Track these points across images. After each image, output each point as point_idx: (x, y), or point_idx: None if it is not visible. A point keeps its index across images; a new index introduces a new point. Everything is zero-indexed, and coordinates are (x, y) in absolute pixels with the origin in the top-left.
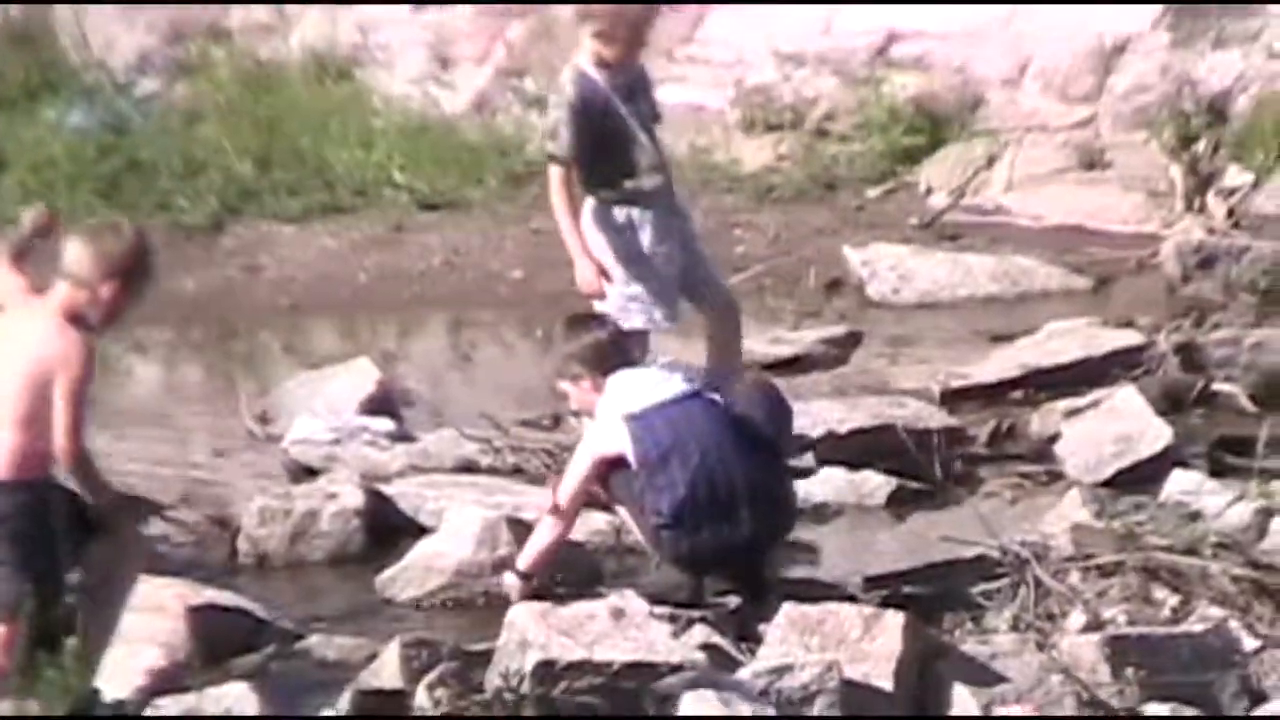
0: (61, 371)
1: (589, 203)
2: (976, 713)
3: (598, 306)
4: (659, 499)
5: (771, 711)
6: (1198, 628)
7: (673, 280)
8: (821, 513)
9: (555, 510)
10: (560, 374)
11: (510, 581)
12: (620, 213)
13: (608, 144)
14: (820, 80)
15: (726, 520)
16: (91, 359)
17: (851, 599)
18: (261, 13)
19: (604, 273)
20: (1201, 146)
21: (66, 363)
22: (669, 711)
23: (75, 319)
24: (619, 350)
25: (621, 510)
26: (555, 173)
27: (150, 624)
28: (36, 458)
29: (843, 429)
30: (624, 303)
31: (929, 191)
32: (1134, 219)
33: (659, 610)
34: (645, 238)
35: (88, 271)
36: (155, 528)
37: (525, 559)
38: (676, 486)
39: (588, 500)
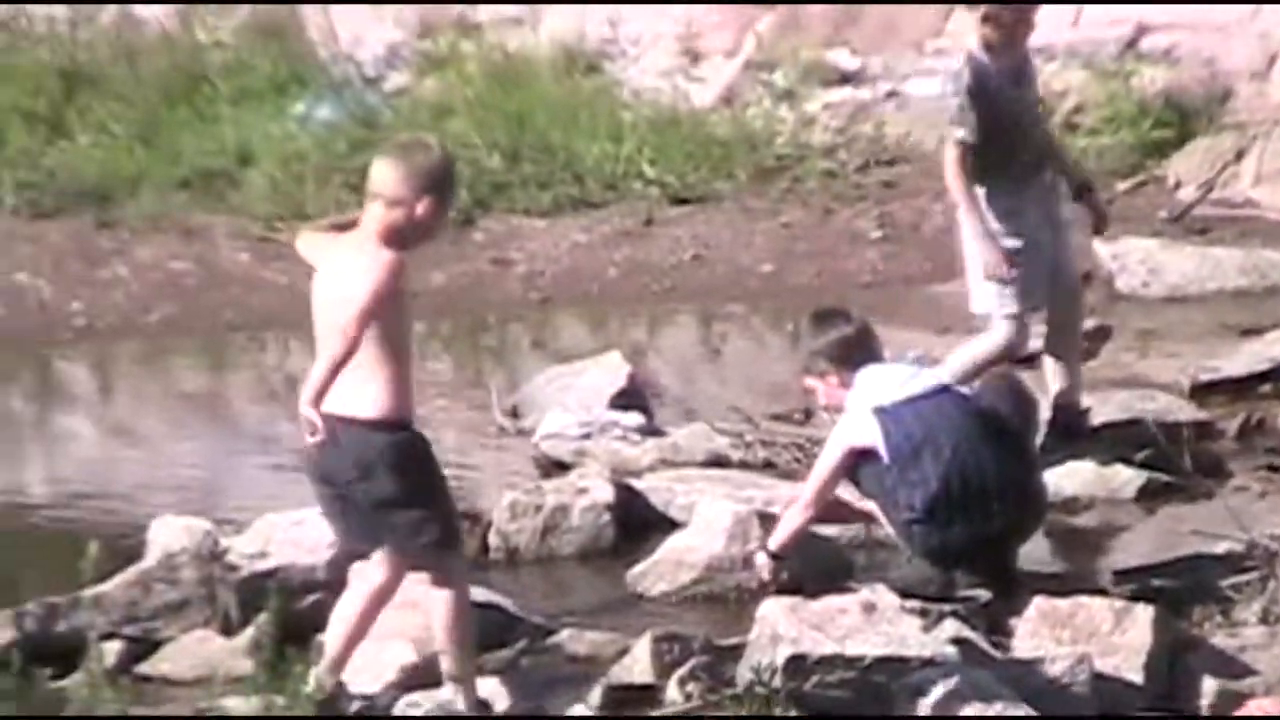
0: (365, 284)
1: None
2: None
3: (973, 292)
4: (911, 493)
5: (1025, 708)
6: None
7: (1046, 268)
8: (1071, 506)
9: (805, 502)
10: (807, 370)
11: (761, 561)
12: (1006, 200)
13: (998, 129)
14: (1069, 73)
15: (978, 514)
16: (401, 274)
17: (1102, 592)
18: (510, 6)
19: (1008, 256)
20: None
21: (370, 275)
22: (920, 704)
23: (392, 239)
24: (866, 344)
25: (872, 504)
26: (953, 155)
27: (400, 618)
28: (403, 391)
29: (1094, 422)
30: (1000, 289)
31: (1178, 185)
32: None
33: (910, 604)
34: (1027, 224)
35: (404, 189)
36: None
37: (776, 539)
38: (929, 481)
39: (838, 506)
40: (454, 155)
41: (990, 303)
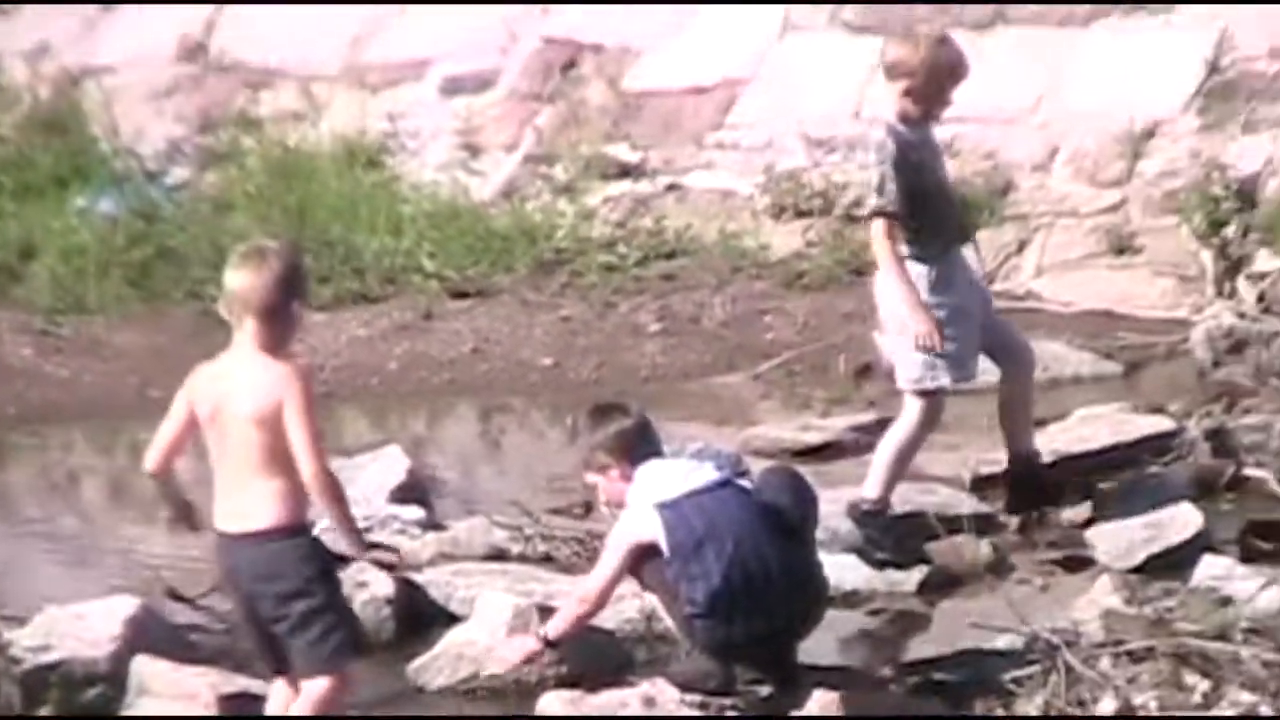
0: (291, 408)
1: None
2: None
3: (898, 368)
4: (693, 588)
5: None
6: (1229, 713)
7: (976, 337)
8: (852, 600)
9: (584, 596)
10: (588, 464)
11: (532, 645)
12: (937, 269)
13: (925, 199)
14: (850, 165)
15: (759, 609)
16: (310, 381)
17: (883, 685)
18: (291, 100)
19: (940, 326)
20: (1231, 231)
21: (288, 391)
22: None
23: (270, 347)
24: (646, 438)
25: (652, 598)
26: (879, 227)
27: (181, 712)
28: (299, 501)
29: (861, 507)
30: (931, 360)
31: None
32: (1164, 304)
33: (690, 698)
34: (959, 294)
35: (257, 296)
36: (185, 617)
37: (553, 627)
38: (711, 576)
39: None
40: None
41: (920, 374)
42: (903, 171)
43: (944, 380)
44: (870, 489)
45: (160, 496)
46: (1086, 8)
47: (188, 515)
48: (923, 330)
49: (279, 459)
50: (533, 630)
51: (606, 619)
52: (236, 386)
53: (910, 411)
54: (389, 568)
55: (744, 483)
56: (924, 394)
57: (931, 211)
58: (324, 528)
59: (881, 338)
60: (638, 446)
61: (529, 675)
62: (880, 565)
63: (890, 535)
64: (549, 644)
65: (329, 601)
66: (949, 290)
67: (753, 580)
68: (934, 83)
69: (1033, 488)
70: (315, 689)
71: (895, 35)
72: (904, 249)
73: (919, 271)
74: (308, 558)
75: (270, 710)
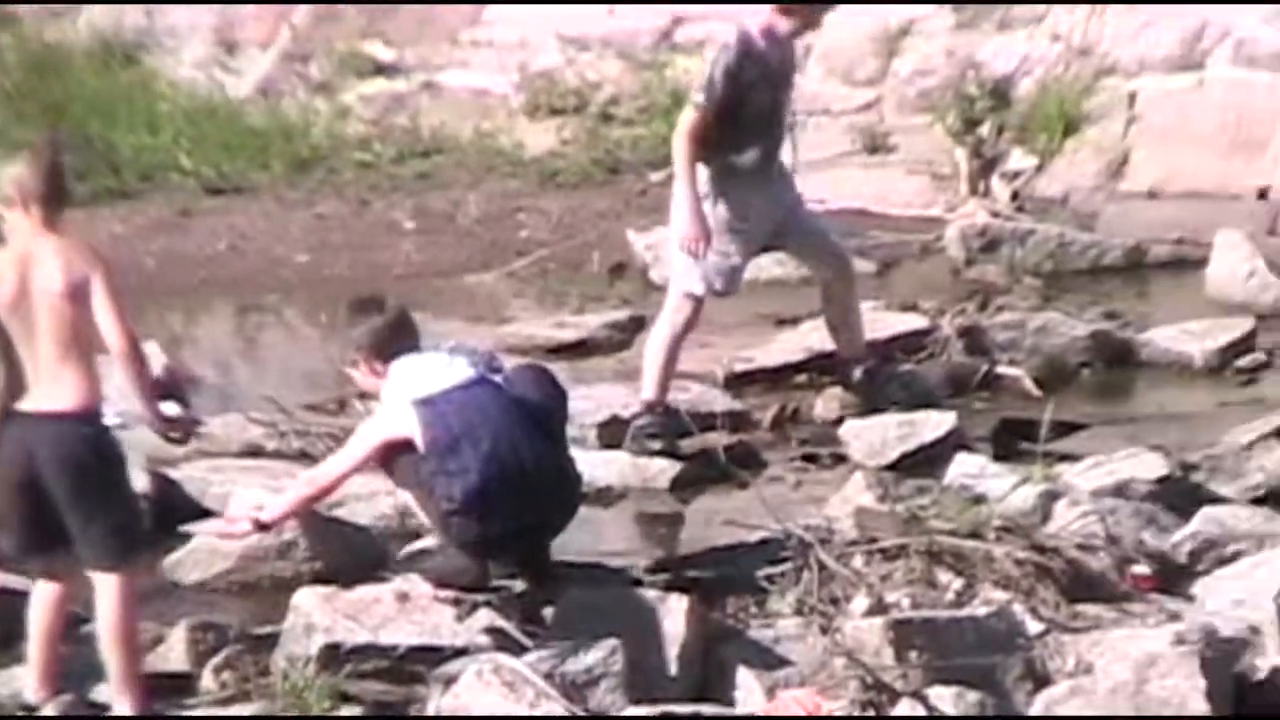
0: (97, 283)
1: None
2: (760, 694)
3: (669, 262)
4: (451, 485)
5: (555, 694)
6: (981, 611)
7: (747, 255)
8: (606, 496)
9: (316, 478)
10: (344, 358)
11: (245, 527)
12: (734, 184)
13: (741, 111)
14: (604, 64)
15: (515, 505)
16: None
17: (637, 583)
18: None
19: (706, 234)
20: (985, 130)
21: (95, 269)
22: (451, 691)
23: (54, 228)
24: (403, 333)
25: (407, 494)
26: (687, 117)
27: None
28: (95, 388)
29: (626, 413)
30: (690, 264)
31: None
32: (918, 202)
33: (444, 594)
34: (750, 212)
35: (31, 185)
36: None
37: (272, 508)
38: (469, 473)
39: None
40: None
41: (685, 277)
42: (733, 79)
43: (699, 289)
44: (647, 390)
45: None
46: None
47: None
48: (688, 235)
49: (86, 337)
50: (288, 532)
51: (360, 515)
52: (43, 267)
53: (670, 309)
54: (185, 438)
55: (497, 379)
56: (687, 296)
57: (747, 126)
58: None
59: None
60: (394, 341)
61: (284, 571)
62: (653, 453)
63: (668, 426)
64: (261, 526)
65: (128, 493)
66: (736, 207)
67: (509, 477)
68: (813, 7)
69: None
70: (113, 584)
71: None
72: (708, 152)
73: (715, 180)
74: (110, 444)
75: (34, 606)
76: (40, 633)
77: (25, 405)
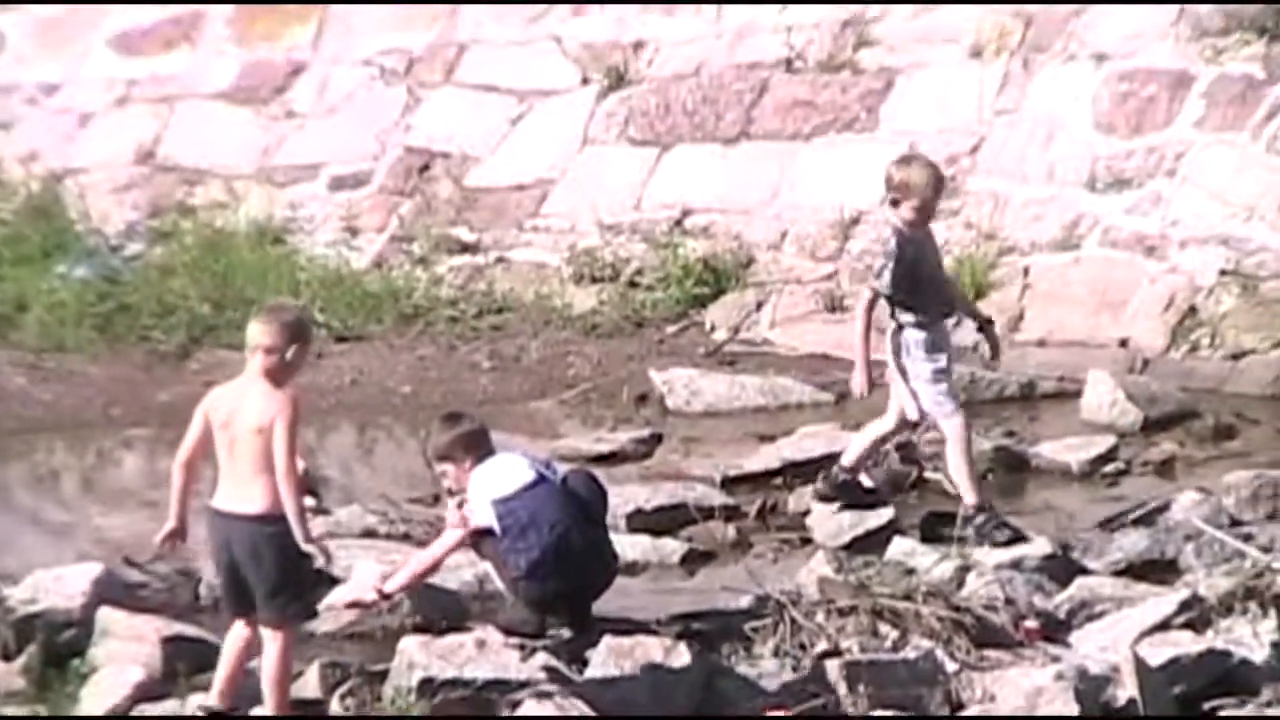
0: (280, 424)
1: (900, 324)
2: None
3: (910, 406)
4: (520, 559)
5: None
6: (912, 655)
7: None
8: (632, 569)
9: (424, 559)
10: (440, 457)
11: (369, 597)
12: (921, 334)
13: (919, 281)
14: (632, 244)
15: (569, 574)
16: (298, 410)
17: (654, 633)
18: (217, 193)
19: (870, 381)
20: None
21: (280, 414)
22: (518, 714)
23: (274, 379)
24: (484, 438)
25: (486, 565)
26: (866, 297)
27: (134, 649)
28: (277, 495)
29: (648, 506)
30: (935, 398)
31: (713, 329)
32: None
33: (511, 640)
34: (941, 353)
35: (271, 340)
36: (136, 577)
37: (392, 582)
38: (533, 550)
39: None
40: (306, 316)
41: (942, 406)
42: (901, 262)
43: (952, 405)
44: (967, 496)
45: (174, 489)
46: (809, 126)
47: (182, 520)
48: (856, 382)
49: (269, 461)
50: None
51: (450, 581)
52: (247, 403)
53: (949, 431)
54: (325, 558)
55: (551, 475)
56: (951, 416)
57: (926, 290)
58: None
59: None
60: (477, 444)
61: (393, 623)
62: (996, 544)
63: (990, 525)
64: (383, 595)
65: (292, 577)
66: (938, 351)
67: (563, 553)
68: (930, 201)
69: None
70: (273, 638)
71: (897, 161)
72: (908, 317)
73: (918, 337)
74: (283, 538)
75: (228, 641)
76: (228, 660)
77: (220, 504)
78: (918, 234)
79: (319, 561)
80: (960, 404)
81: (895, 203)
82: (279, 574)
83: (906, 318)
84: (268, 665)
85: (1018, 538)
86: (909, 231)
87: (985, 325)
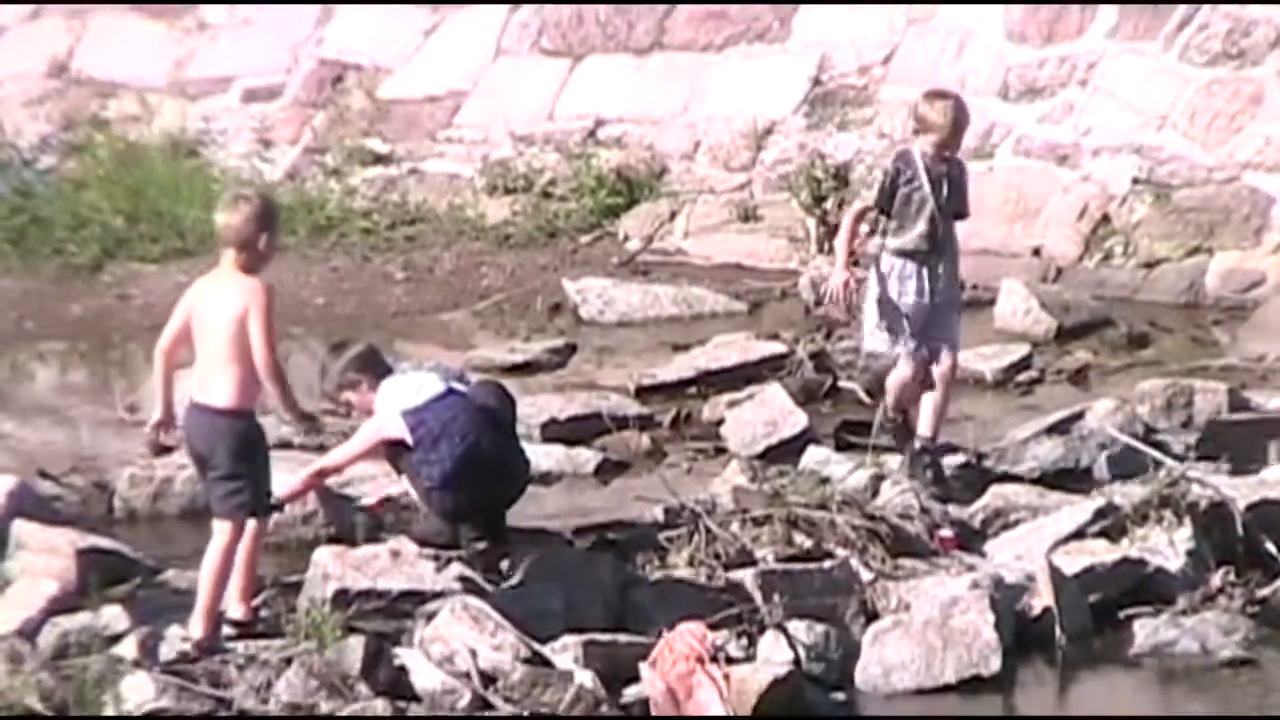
0: (254, 311)
1: (882, 245)
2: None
3: (862, 336)
4: (432, 470)
5: (509, 625)
6: (827, 564)
7: (910, 325)
8: (546, 479)
9: (322, 467)
10: (340, 386)
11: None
12: (889, 261)
13: (901, 206)
14: (545, 155)
15: (482, 485)
16: (271, 298)
17: (569, 544)
18: (131, 107)
19: (851, 292)
20: (829, 204)
21: (254, 302)
22: (433, 626)
23: (247, 269)
24: (378, 358)
25: (403, 476)
26: (855, 207)
27: (48, 562)
28: (249, 389)
29: (562, 416)
30: (872, 330)
31: (626, 239)
32: (779, 259)
33: (425, 551)
34: (902, 286)
35: (240, 232)
36: (50, 490)
37: (287, 488)
38: (445, 461)
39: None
40: (272, 202)
41: (870, 341)
42: (894, 183)
43: (880, 347)
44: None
45: (157, 378)
46: (722, 37)
47: (169, 409)
48: (833, 286)
49: (241, 352)
50: (310, 505)
51: (363, 493)
52: (219, 295)
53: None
54: (316, 430)
55: (462, 388)
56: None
57: (913, 219)
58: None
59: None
60: (372, 363)
61: (307, 534)
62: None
63: (924, 466)
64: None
65: (241, 471)
66: (904, 284)
67: (475, 464)
68: (953, 137)
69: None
70: (220, 530)
71: (925, 95)
72: (889, 241)
73: (891, 263)
74: (240, 434)
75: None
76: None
77: (192, 394)
78: (936, 166)
79: (310, 433)
80: (907, 350)
81: (916, 132)
82: (229, 464)
83: (888, 241)
84: (207, 557)
85: (944, 497)
86: (925, 161)
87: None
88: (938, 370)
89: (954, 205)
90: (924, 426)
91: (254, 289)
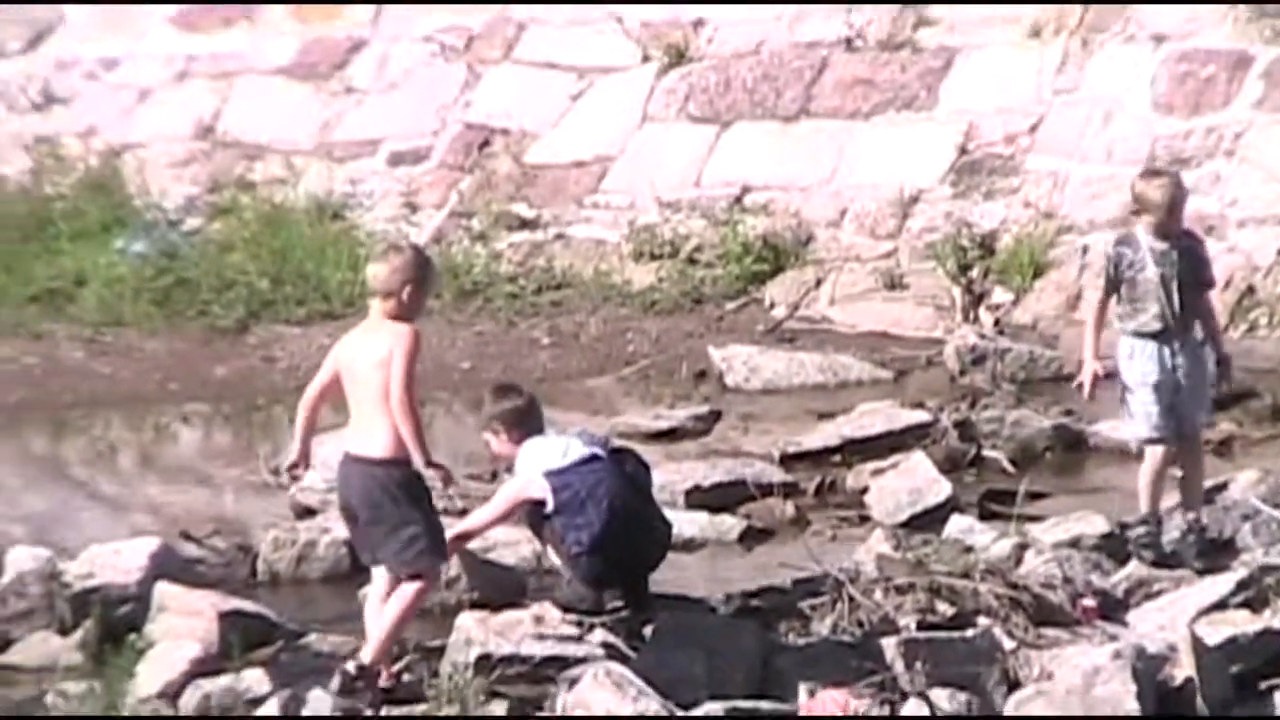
0: (397, 353)
1: (1122, 330)
2: (804, 695)
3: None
4: (579, 534)
5: (651, 692)
6: (970, 633)
7: (1158, 404)
8: (690, 545)
9: (468, 527)
10: (485, 427)
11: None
12: (1128, 344)
13: (1129, 289)
14: (692, 221)
15: (626, 550)
16: (418, 345)
17: (712, 610)
18: (276, 169)
19: (1095, 380)
20: (975, 273)
21: (398, 348)
22: (574, 689)
23: (396, 318)
24: (533, 414)
25: (543, 543)
26: (1092, 297)
27: (190, 624)
28: (397, 439)
29: (706, 483)
30: (1130, 410)
31: (772, 305)
32: (925, 327)
33: (569, 617)
34: (1143, 366)
35: (388, 282)
36: (193, 552)
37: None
38: (593, 525)
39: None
40: (426, 252)
41: (1127, 423)
42: (1118, 268)
43: (1141, 430)
44: (1143, 505)
45: (298, 425)
46: (869, 104)
47: (305, 453)
48: (1084, 378)
49: (389, 399)
50: (454, 569)
51: (507, 557)
52: (366, 344)
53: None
54: (446, 481)
55: (603, 453)
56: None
57: (1144, 300)
58: None
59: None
60: (525, 420)
61: (450, 599)
62: (1153, 564)
63: (1158, 539)
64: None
65: (414, 518)
66: (1149, 363)
67: (620, 529)
68: (1170, 214)
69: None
70: (406, 586)
71: (1142, 174)
72: (1125, 325)
73: (1131, 345)
74: (400, 483)
75: (373, 585)
76: (371, 614)
77: (346, 446)
78: (1158, 243)
79: (439, 485)
80: (1164, 431)
81: (1134, 212)
82: (399, 513)
83: (1125, 325)
84: (388, 608)
85: (1164, 562)
86: (1148, 242)
87: (1221, 360)
88: (1184, 445)
89: (1192, 277)
90: (1188, 502)
91: (400, 332)
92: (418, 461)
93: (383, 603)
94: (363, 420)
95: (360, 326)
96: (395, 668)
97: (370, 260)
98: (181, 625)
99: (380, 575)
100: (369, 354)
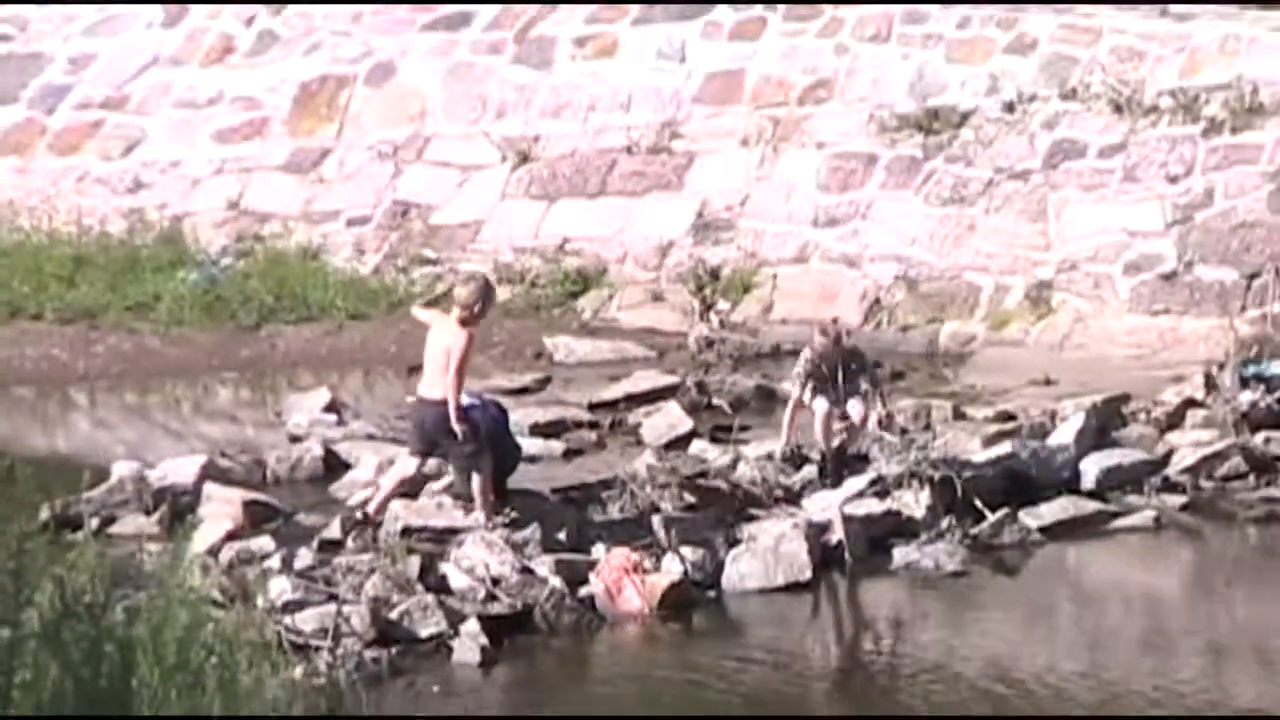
0: (456, 348)
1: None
2: (602, 550)
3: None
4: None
5: (508, 548)
6: (704, 513)
7: None
8: (532, 460)
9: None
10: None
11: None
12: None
13: (817, 385)
14: (532, 260)
15: (494, 460)
16: (472, 344)
17: (546, 498)
18: (278, 228)
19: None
20: (707, 291)
21: (458, 344)
22: (461, 549)
23: (464, 324)
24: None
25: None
26: (793, 401)
27: (225, 509)
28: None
29: (542, 420)
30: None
31: (583, 312)
32: (677, 325)
33: (458, 503)
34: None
35: (466, 300)
36: (227, 464)
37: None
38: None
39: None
40: (492, 283)
41: None
42: (806, 370)
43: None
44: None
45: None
46: (642, 187)
47: None
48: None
49: (448, 369)
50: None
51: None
52: (443, 333)
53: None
54: (474, 432)
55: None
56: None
57: (821, 394)
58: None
59: None
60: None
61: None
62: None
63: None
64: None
65: (470, 437)
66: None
67: (491, 447)
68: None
69: None
70: (478, 478)
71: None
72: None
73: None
74: (444, 416)
75: (395, 469)
76: (389, 484)
77: (420, 391)
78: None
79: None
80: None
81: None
82: (462, 436)
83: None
84: (476, 490)
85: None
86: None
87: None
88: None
89: None
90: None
91: (462, 335)
92: (452, 409)
93: (402, 482)
94: (431, 379)
95: (445, 319)
96: (350, 533)
97: (459, 282)
98: (220, 510)
99: (403, 457)
100: (443, 341)
